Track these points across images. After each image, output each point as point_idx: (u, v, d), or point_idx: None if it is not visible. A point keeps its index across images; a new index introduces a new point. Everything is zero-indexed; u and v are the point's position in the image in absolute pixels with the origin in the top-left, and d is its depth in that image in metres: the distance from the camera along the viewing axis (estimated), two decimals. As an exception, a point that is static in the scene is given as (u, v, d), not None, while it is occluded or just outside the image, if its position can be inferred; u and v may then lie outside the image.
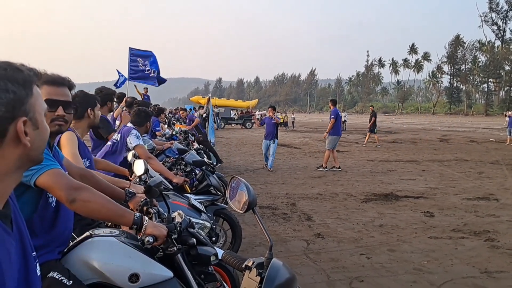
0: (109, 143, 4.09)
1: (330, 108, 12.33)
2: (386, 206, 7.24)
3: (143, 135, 4.43)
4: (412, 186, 9.03)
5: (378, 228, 5.92)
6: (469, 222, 6.23)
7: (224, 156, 13.52)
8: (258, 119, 12.14)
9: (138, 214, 1.88)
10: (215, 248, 2.21)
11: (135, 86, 11.89)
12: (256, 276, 1.13)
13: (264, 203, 7.24)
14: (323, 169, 11.40)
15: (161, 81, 10.75)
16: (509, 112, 22.21)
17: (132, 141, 4.06)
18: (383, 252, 4.91)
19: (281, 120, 41.16)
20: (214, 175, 4.78)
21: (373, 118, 19.13)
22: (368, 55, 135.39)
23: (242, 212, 1.35)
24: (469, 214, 6.71)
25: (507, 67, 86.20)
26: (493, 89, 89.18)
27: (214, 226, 3.45)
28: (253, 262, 1.15)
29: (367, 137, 20.03)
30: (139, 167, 2.58)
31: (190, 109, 29.81)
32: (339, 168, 11.42)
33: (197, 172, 4.68)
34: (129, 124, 4.27)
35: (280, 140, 22.59)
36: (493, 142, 20.47)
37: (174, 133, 7.93)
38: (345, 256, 4.76)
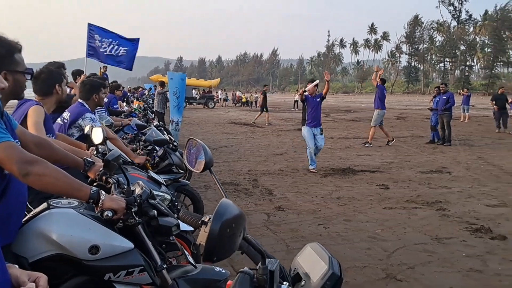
0: (59, 121, 3.75)
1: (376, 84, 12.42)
2: (344, 180, 7.49)
3: (97, 109, 4.23)
4: (368, 161, 9.34)
5: (336, 200, 6.14)
6: (422, 194, 6.54)
7: (186, 136, 13.43)
8: (302, 92, 8.73)
9: (94, 188, 1.85)
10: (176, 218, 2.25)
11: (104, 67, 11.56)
12: None
13: (227, 180, 7.32)
14: (369, 145, 11.83)
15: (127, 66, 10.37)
16: (464, 90, 23.04)
17: (86, 125, 3.60)
18: (339, 222, 5.12)
19: (244, 100, 41.23)
20: (177, 153, 4.74)
21: (262, 96, 20.04)
22: (329, 35, 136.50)
23: (199, 172, 1.39)
24: (423, 186, 7.04)
25: (462, 47, 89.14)
26: (449, 68, 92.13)
27: (174, 200, 3.46)
28: (209, 218, 1.20)
29: (258, 115, 20.40)
30: (97, 134, 2.51)
31: (150, 88, 29.24)
32: (392, 140, 12.15)
33: (157, 149, 4.63)
34: (79, 100, 3.98)
35: (243, 118, 22.73)
36: (460, 119, 21.27)
37: (133, 110, 7.80)
38: (304, 226, 4.93)
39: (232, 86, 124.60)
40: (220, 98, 42.53)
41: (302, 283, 1.11)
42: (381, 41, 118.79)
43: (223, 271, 2.08)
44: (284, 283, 1.00)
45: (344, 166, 8.63)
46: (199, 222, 1.26)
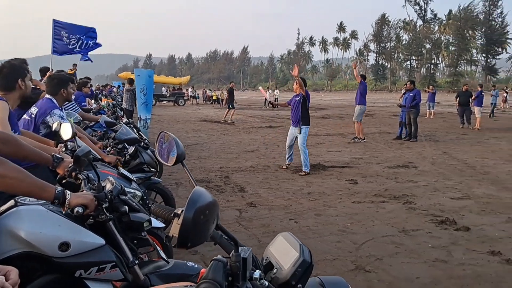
0: (25, 116, 3.65)
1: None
2: (314, 176, 7.60)
3: (69, 105, 4.16)
4: (338, 157, 9.50)
5: (306, 195, 6.23)
6: (389, 188, 6.71)
7: (156, 133, 13.27)
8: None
9: (59, 188, 1.81)
10: (148, 214, 2.24)
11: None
12: None
13: (198, 177, 7.30)
14: (362, 140, 12.27)
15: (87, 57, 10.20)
16: (430, 88, 23.69)
17: (55, 121, 3.66)
18: (310, 216, 5.20)
19: (214, 97, 41.05)
20: (148, 151, 4.68)
21: (228, 94, 20.22)
22: (298, 33, 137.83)
23: (170, 165, 1.40)
24: (390, 181, 7.23)
25: (428, 46, 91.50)
26: (415, 66, 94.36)
27: (146, 198, 3.44)
28: (182, 210, 1.22)
29: (226, 113, 20.13)
30: (66, 130, 2.45)
31: (118, 86, 28.74)
32: (363, 139, 12.40)
33: (127, 147, 4.56)
34: (47, 96, 3.88)
35: (214, 116, 22.66)
36: (425, 116, 21.81)
37: (102, 107, 7.65)
38: (275, 221, 4.98)
39: (202, 83, 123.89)
40: (190, 96, 42.20)
41: (274, 270, 1.15)
42: (350, 39, 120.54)
43: (195, 265, 2.09)
44: (257, 271, 1.03)
45: (314, 162, 8.74)
46: (172, 215, 1.27)
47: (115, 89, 23.48)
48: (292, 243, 1.20)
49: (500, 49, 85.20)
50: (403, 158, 9.46)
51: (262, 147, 11.23)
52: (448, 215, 5.24)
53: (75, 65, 12.42)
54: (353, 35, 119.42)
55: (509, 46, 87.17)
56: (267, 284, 1.02)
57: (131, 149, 4.47)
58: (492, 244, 4.32)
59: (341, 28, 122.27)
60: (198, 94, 45.61)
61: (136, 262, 1.98)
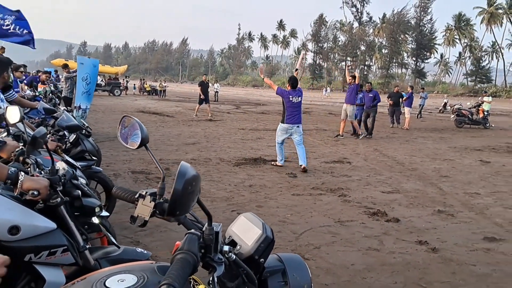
0: None
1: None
2: (256, 169, 7.76)
3: (11, 93, 3.97)
4: (278, 152, 9.74)
5: (248, 188, 6.36)
6: (326, 181, 7.02)
7: (92, 123, 12.82)
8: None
9: (13, 168, 1.79)
10: (98, 199, 2.24)
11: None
12: (150, 202, 1.26)
13: (138, 168, 7.20)
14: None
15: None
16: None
17: None
18: (252, 208, 5.34)
19: (148, 88, 40.10)
20: (90, 139, 4.57)
21: (200, 88, 19.75)
22: (239, 28, 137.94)
23: (134, 148, 1.43)
24: (326, 175, 7.55)
25: (362, 47, 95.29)
26: (350, 67, 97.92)
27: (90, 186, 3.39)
28: (146, 192, 1.27)
29: (197, 108, 19.55)
30: (13, 114, 2.36)
31: (50, 72, 27.23)
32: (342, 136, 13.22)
33: (66, 134, 4.41)
34: None
35: (152, 107, 22.23)
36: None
37: (37, 94, 7.28)
38: (217, 213, 5.06)
39: (139, 74, 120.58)
40: (126, 87, 40.90)
41: (238, 247, 1.23)
42: (289, 38, 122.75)
43: (145, 252, 2.12)
44: (226, 245, 1.12)
45: (255, 156, 8.92)
46: (136, 196, 1.31)
47: (53, 76, 22.23)
48: (254, 222, 1.29)
49: (428, 54, 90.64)
50: (339, 154, 9.90)
51: (203, 140, 11.23)
52: (380, 207, 5.61)
53: (2, 48, 11.64)
54: (293, 33, 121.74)
55: (436, 51, 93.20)
56: (234, 257, 1.11)
57: (72, 137, 4.34)
58: (419, 234, 4.69)
59: (281, 26, 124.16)
60: (134, 85, 44.30)
61: (87, 247, 1.98)
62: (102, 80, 36.27)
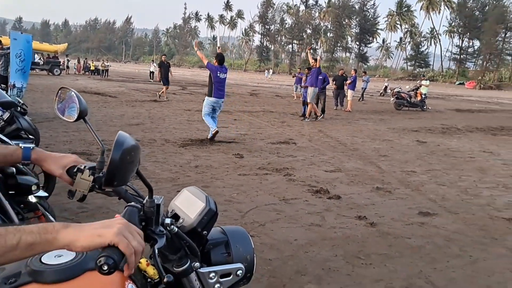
0: None
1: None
2: (202, 150, 7.73)
3: None
4: (225, 133, 9.73)
5: (194, 168, 6.34)
6: (272, 162, 7.14)
7: (29, 103, 12.15)
8: None
9: None
10: (36, 178, 2.16)
11: None
12: (89, 176, 1.23)
13: (78, 150, 6.96)
14: (320, 118, 13.81)
15: None
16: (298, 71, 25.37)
17: None
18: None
19: (92, 68, 38.46)
20: (26, 117, 4.36)
21: (159, 68, 19.38)
22: (185, 8, 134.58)
23: (72, 121, 1.38)
24: (272, 155, 7.67)
25: (308, 31, 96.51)
26: (296, 50, 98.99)
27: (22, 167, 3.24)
28: (85, 166, 1.24)
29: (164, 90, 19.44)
30: None
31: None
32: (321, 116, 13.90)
33: (2, 112, 4.18)
34: None
35: (93, 87, 21.40)
36: (293, 97, 23.13)
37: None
38: (162, 193, 4.94)
39: (81, 53, 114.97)
40: (67, 66, 38.88)
41: (181, 220, 1.24)
42: (236, 19, 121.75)
43: None
44: (167, 218, 1.11)
45: (202, 137, 8.88)
46: (74, 171, 1.28)
47: None
48: (198, 195, 1.30)
49: (371, 38, 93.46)
50: (284, 135, 10.06)
51: (147, 121, 11.00)
52: (322, 185, 5.79)
53: None
54: (240, 14, 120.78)
55: (378, 36, 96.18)
56: (176, 230, 1.11)
57: (7, 115, 4.12)
58: (359, 210, 4.91)
59: (227, 6, 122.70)
60: (75, 64, 42.22)
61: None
62: (40, 59, 34.32)
